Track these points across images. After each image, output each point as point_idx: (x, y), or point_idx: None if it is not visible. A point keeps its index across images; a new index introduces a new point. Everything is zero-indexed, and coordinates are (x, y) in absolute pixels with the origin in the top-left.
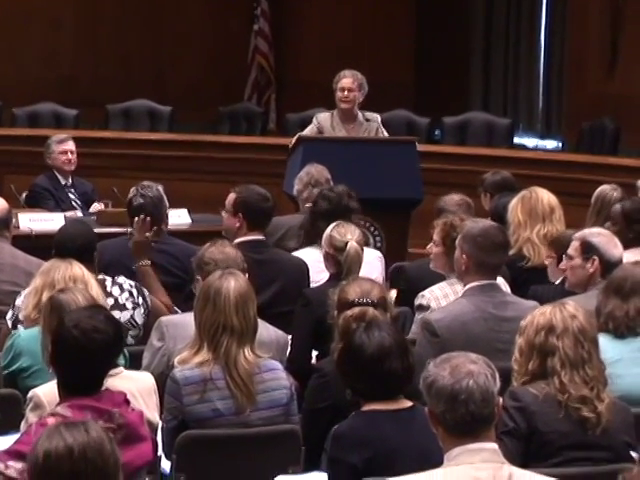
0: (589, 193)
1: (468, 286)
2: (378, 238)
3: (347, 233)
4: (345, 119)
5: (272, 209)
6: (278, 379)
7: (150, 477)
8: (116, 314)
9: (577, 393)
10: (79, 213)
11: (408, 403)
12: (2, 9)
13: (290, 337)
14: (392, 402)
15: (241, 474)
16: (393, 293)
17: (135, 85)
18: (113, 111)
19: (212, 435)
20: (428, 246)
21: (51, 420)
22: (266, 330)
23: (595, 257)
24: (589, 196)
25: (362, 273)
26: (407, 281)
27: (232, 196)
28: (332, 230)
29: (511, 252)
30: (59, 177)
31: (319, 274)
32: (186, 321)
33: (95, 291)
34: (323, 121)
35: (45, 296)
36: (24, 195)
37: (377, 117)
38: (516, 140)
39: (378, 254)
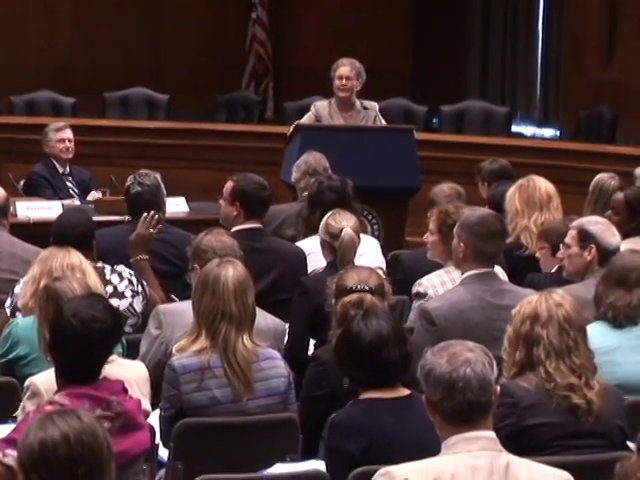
0: (587, 181)
1: (466, 274)
2: (376, 226)
3: (343, 220)
4: (343, 107)
5: (269, 198)
6: (276, 367)
7: (148, 465)
8: (115, 302)
9: (563, 381)
10: (77, 201)
11: (406, 391)
12: None
13: (288, 325)
14: (390, 390)
15: (239, 462)
16: None
17: (133, 74)
18: (111, 99)
19: (210, 423)
20: (425, 236)
21: (49, 408)
22: (264, 318)
23: (592, 245)
24: (587, 184)
25: (364, 261)
26: (404, 270)
27: (230, 184)
28: (328, 218)
29: (509, 240)
30: (57, 165)
31: (322, 264)
32: (183, 309)
33: (93, 279)
34: (321, 109)
35: (43, 284)
36: (22, 183)
37: (375, 105)
38: (514, 128)
39: (376, 241)
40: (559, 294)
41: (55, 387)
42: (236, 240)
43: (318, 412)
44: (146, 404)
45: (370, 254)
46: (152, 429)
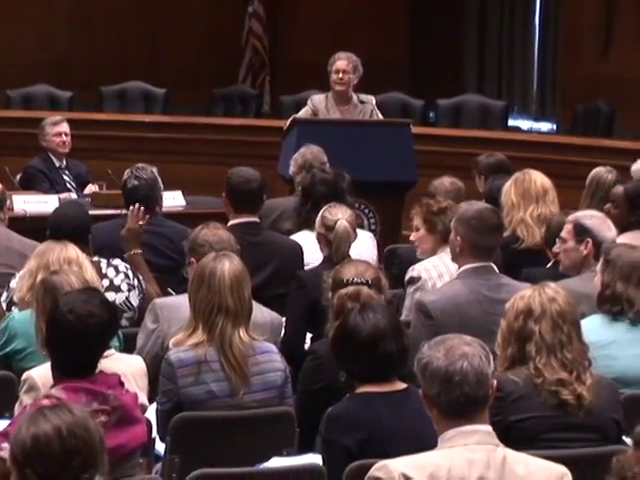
0: (584, 175)
1: (462, 268)
2: (372, 220)
3: (338, 213)
4: (339, 101)
5: (256, 191)
6: (273, 361)
7: (144, 459)
8: (111, 296)
9: (552, 377)
10: (73, 195)
11: (402, 385)
12: None
13: (284, 319)
14: (386, 384)
15: (235, 456)
16: None
17: (129, 67)
18: (107, 93)
19: (206, 417)
20: (412, 236)
21: (46, 402)
22: (260, 312)
23: (589, 239)
24: (583, 178)
25: (354, 254)
26: (401, 264)
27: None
28: (324, 211)
29: (505, 234)
30: (53, 159)
31: (315, 257)
32: (180, 303)
33: (89, 273)
34: (317, 103)
35: (39, 278)
36: (18, 177)
37: (372, 99)
38: (510, 122)
39: (370, 235)
40: (552, 288)
41: (52, 381)
42: (232, 234)
43: (315, 406)
44: (143, 398)
45: (361, 248)
46: (149, 423)
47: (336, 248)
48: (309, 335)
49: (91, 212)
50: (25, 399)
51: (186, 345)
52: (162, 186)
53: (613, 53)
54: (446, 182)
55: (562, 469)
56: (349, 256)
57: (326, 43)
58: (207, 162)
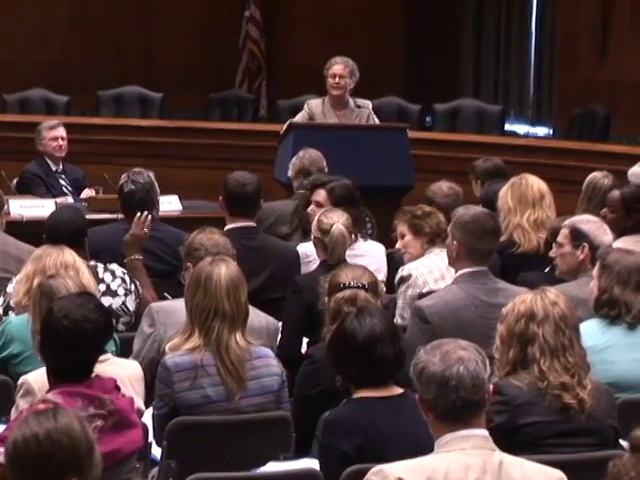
0: (580, 180)
1: (459, 272)
2: (369, 225)
3: (334, 217)
4: (336, 106)
5: (252, 195)
6: (269, 366)
7: (141, 463)
8: (108, 300)
9: (556, 380)
10: (70, 199)
11: (399, 390)
12: None
13: (281, 324)
14: (383, 389)
15: (232, 460)
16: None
17: (126, 72)
18: (104, 97)
19: (203, 422)
20: (397, 244)
21: (42, 407)
22: (257, 316)
23: (585, 244)
24: (580, 183)
25: (365, 264)
26: (397, 270)
27: None
28: (320, 215)
29: (502, 238)
30: (50, 163)
31: None
32: (177, 307)
33: (86, 278)
34: (314, 107)
35: (36, 282)
36: (15, 181)
37: (368, 104)
38: (507, 127)
39: (383, 248)
40: (553, 292)
41: (48, 385)
42: (229, 238)
43: (311, 410)
44: (139, 402)
45: (373, 261)
46: (145, 427)
47: (331, 251)
48: (305, 340)
49: (87, 216)
50: (21, 403)
51: (182, 349)
52: (159, 190)
53: (609, 58)
54: (444, 187)
55: (558, 473)
56: (345, 260)
57: (323, 48)
58: (204, 166)
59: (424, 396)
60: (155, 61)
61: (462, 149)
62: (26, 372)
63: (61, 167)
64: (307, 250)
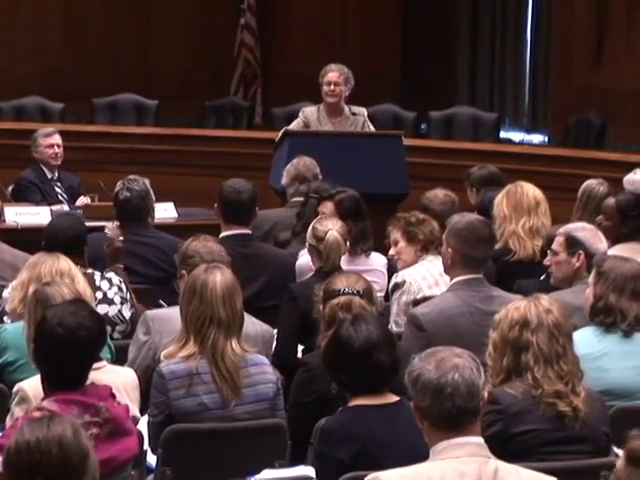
0: (575, 187)
1: (454, 280)
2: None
3: (329, 224)
4: (331, 113)
5: (246, 202)
6: (264, 373)
7: (136, 471)
8: (104, 308)
9: (550, 388)
10: (65, 207)
11: (394, 398)
12: None
13: (276, 331)
14: (379, 397)
15: (227, 468)
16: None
17: (121, 79)
18: (99, 105)
19: (198, 429)
20: (390, 251)
21: (37, 414)
22: (252, 324)
23: (580, 252)
24: (575, 190)
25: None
26: (391, 277)
27: None
28: (315, 223)
29: (497, 246)
30: (45, 171)
31: None
32: (172, 315)
33: (81, 285)
34: (309, 115)
35: (31, 290)
36: (10, 189)
37: (363, 111)
38: (502, 134)
39: (385, 263)
40: (547, 300)
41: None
42: (224, 246)
43: (307, 418)
44: (135, 410)
45: (376, 279)
46: (140, 435)
47: (326, 257)
48: (301, 347)
49: None
50: (17, 411)
51: (178, 357)
52: (154, 198)
53: (605, 65)
54: (440, 194)
55: None
56: (340, 268)
57: (318, 55)
58: (199, 174)
59: (419, 404)
60: (150, 69)
61: (457, 156)
62: (21, 380)
63: (56, 174)
64: (310, 262)
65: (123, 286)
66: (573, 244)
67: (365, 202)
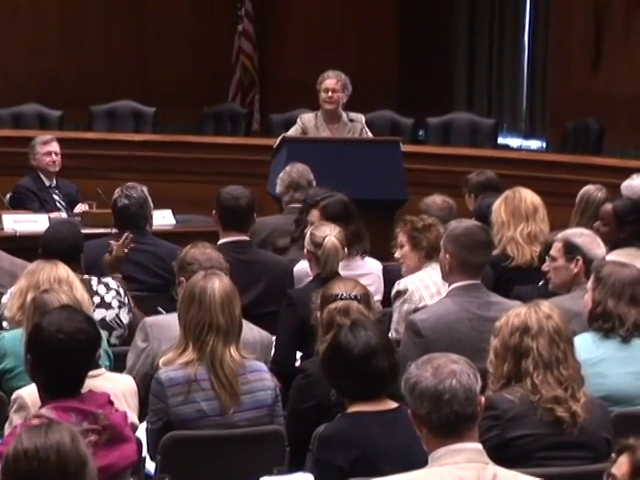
0: (573, 193)
1: (452, 286)
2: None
3: (326, 230)
4: (329, 120)
5: (244, 209)
6: (263, 380)
7: (134, 478)
8: (102, 312)
9: (549, 394)
10: (63, 214)
11: (393, 404)
12: None
13: (274, 338)
14: (377, 403)
15: (226, 475)
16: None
17: (119, 86)
18: (97, 112)
19: (197, 436)
20: (396, 253)
21: (35, 422)
22: (250, 330)
23: (579, 257)
24: (573, 196)
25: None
26: (390, 283)
27: None
28: (312, 229)
29: (495, 252)
30: (43, 178)
31: None
32: (170, 322)
33: (80, 292)
34: (307, 121)
35: (30, 297)
36: (8, 196)
37: (361, 117)
38: (500, 140)
39: (380, 269)
40: (547, 306)
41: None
42: (222, 253)
43: (305, 424)
44: (133, 417)
45: (372, 282)
46: (139, 442)
47: (324, 263)
48: (299, 353)
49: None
50: (15, 418)
51: (176, 364)
52: (152, 205)
53: (602, 71)
54: (438, 200)
55: None
56: (338, 273)
57: (315, 62)
58: (197, 181)
59: (417, 411)
60: (148, 75)
61: (455, 163)
62: (20, 387)
63: (54, 182)
64: (307, 268)
65: (121, 290)
66: (571, 250)
67: (357, 205)
